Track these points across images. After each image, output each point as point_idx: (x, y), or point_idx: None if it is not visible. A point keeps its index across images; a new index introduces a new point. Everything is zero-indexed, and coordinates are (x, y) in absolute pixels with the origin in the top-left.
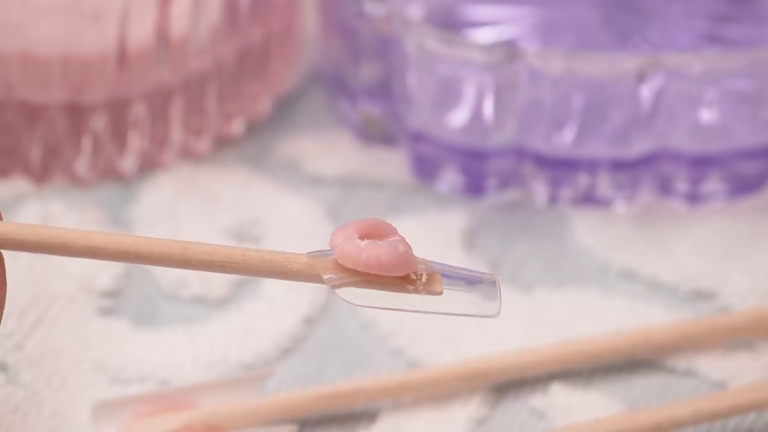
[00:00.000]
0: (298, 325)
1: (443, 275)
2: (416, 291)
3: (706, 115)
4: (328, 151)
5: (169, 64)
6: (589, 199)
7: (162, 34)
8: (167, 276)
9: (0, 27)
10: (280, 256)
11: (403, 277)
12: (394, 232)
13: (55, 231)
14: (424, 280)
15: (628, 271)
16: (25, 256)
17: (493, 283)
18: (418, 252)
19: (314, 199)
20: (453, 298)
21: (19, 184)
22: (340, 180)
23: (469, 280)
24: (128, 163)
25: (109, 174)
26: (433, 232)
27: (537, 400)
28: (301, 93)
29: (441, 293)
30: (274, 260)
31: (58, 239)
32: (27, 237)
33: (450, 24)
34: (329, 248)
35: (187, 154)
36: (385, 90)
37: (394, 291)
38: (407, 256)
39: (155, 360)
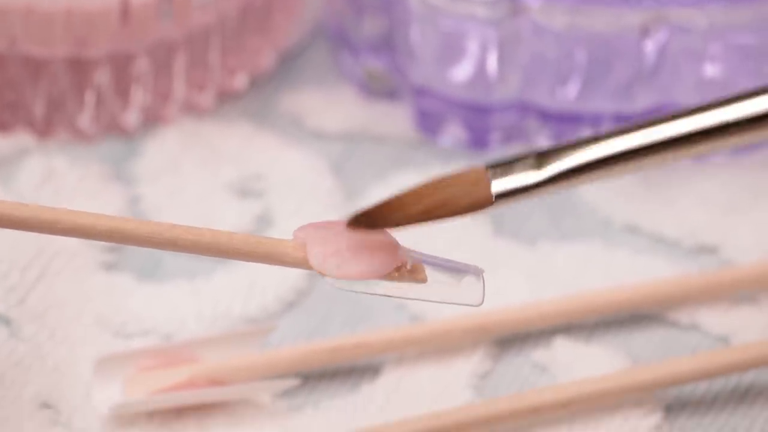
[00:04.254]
0: (302, 279)
1: (428, 265)
2: (401, 279)
3: (710, 70)
4: (331, 105)
5: (172, 18)
6: None
7: None
8: None
9: None
10: (268, 241)
11: None
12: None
13: (40, 210)
14: (408, 268)
15: (631, 225)
16: None
17: (477, 276)
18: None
19: (317, 153)
20: (437, 284)
21: (22, 139)
22: (344, 135)
23: (454, 270)
24: (131, 117)
25: (112, 129)
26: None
27: (540, 354)
28: (304, 48)
29: (425, 281)
30: (261, 244)
31: (44, 218)
32: (12, 215)
33: None
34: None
35: (190, 109)
36: (389, 44)
37: (380, 279)
38: (385, 265)
39: (158, 314)
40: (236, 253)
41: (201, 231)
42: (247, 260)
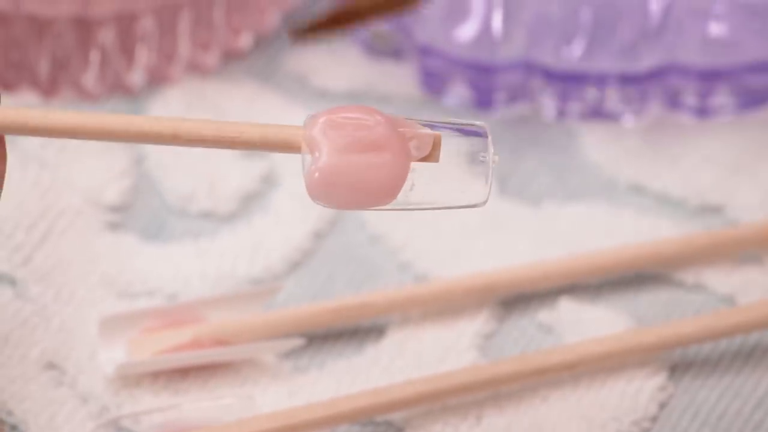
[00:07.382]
0: (307, 239)
1: (436, 128)
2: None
3: (715, 29)
4: (336, 65)
5: None
6: (597, 113)
7: None
8: (174, 190)
9: None
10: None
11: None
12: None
13: (46, 113)
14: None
15: (636, 185)
16: (32, 170)
17: (483, 131)
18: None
19: None
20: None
21: (27, 98)
22: (348, 94)
23: (462, 131)
24: (136, 77)
25: (117, 88)
26: (441, 147)
27: (545, 314)
28: (309, 6)
29: (437, 161)
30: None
31: (50, 121)
32: (20, 120)
33: None
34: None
35: (195, 69)
36: None
37: None
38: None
39: (163, 274)
40: (240, 141)
41: (205, 123)
42: (253, 149)
